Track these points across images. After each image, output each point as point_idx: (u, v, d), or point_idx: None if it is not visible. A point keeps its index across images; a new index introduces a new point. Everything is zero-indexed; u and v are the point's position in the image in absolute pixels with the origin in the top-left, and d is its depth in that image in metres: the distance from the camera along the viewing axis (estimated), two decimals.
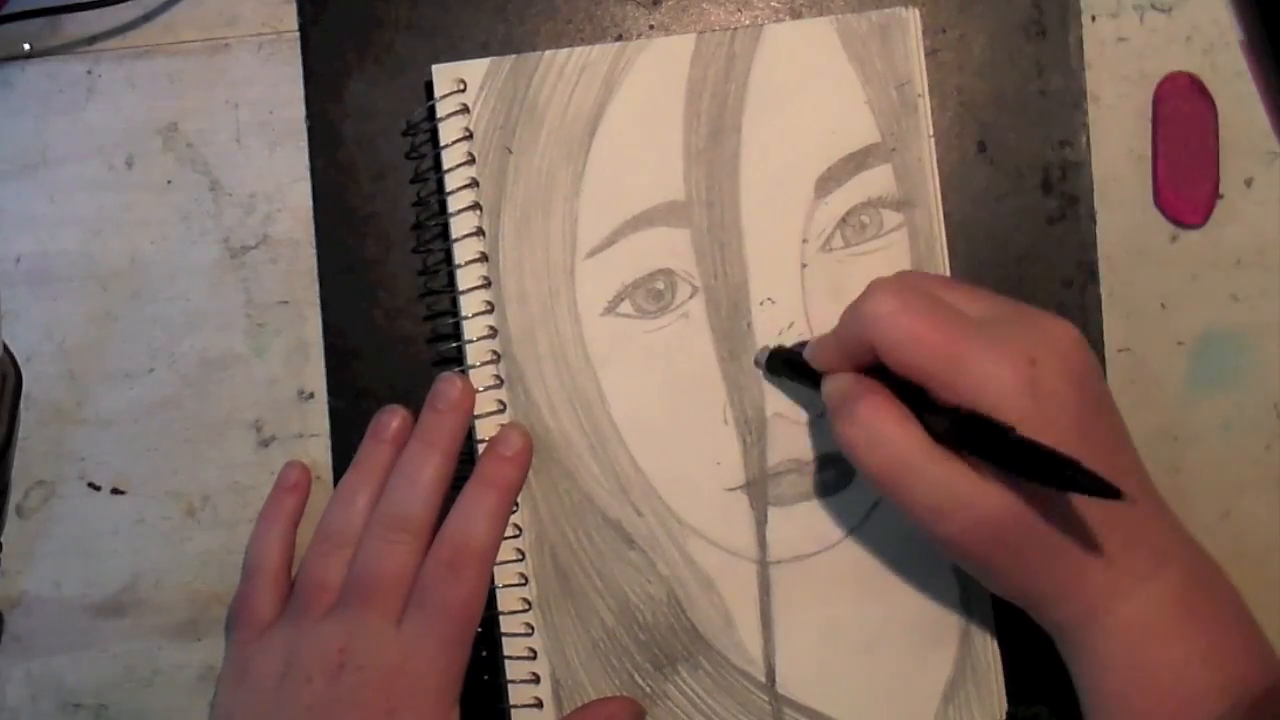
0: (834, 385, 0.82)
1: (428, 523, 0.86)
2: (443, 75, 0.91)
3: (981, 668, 0.90)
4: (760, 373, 0.90)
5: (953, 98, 0.94)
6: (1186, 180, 0.93)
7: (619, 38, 0.94)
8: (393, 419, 0.90)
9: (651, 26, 0.94)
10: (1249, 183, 0.94)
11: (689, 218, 0.90)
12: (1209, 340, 0.93)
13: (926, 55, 0.92)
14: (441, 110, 0.91)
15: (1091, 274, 0.93)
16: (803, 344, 0.88)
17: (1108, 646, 0.79)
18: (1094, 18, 0.94)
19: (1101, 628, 0.78)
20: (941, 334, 0.77)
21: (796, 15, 0.94)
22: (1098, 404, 0.79)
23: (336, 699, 0.82)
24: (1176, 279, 0.94)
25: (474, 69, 0.91)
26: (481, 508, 0.87)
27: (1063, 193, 0.93)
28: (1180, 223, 0.93)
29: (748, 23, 0.93)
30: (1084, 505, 0.76)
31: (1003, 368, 0.76)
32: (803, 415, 0.90)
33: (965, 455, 0.76)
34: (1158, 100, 0.94)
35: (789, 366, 0.89)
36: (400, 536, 0.85)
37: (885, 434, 0.78)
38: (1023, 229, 0.93)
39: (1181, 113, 0.94)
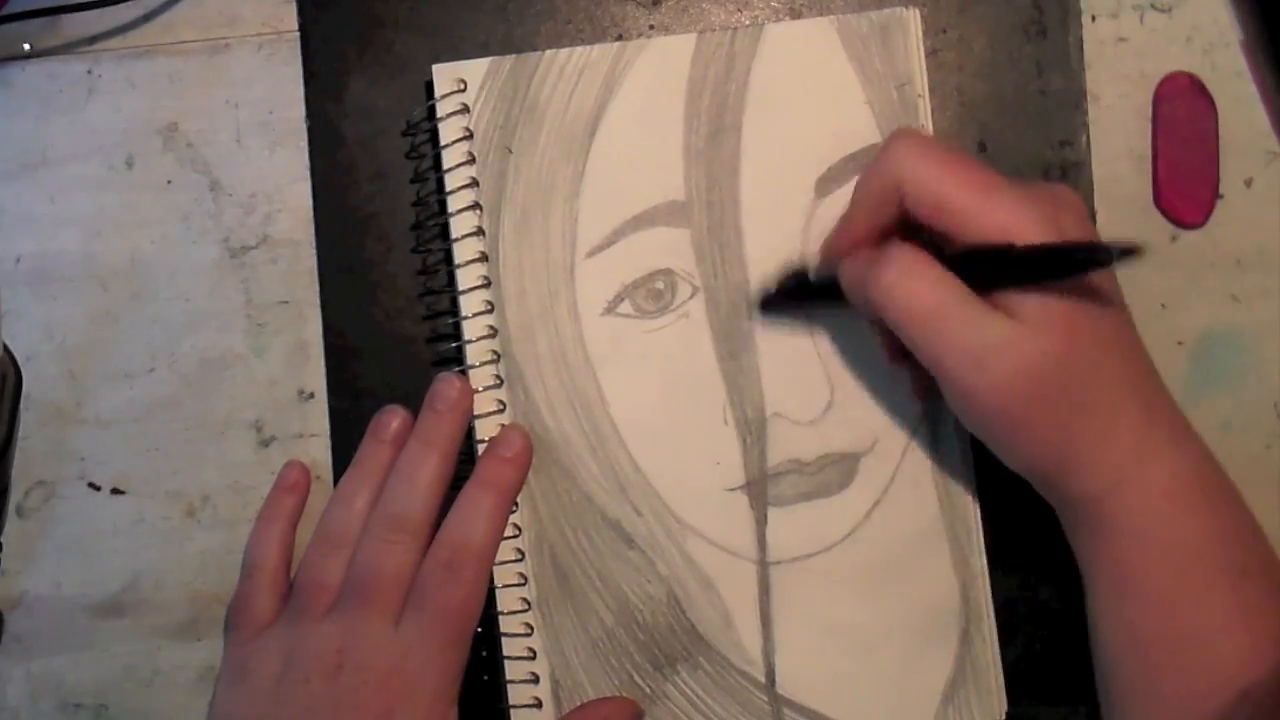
0: (857, 259, 0.82)
1: (426, 523, 0.86)
2: (443, 75, 0.91)
3: (981, 668, 0.90)
4: (759, 373, 0.90)
5: (953, 98, 0.94)
6: (1186, 180, 0.93)
7: (619, 38, 0.94)
8: (392, 419, 0.90)
9: (651, 26, 0.94)
10: (1249, 183, 0.94)
11: (689, 218, 0.90)
12: (1209, 340, 0.93)
13: (926, 55, 0.92)
14: (441, 110, 0.91)
15: None
16: (791, 275, 0.90)
17: (1132, 517, 0.79)
18: (1094, 18, 0.94)
19: (1127, 497, 0.79)
20: (970, 170, 0.78)
21: (797, 15, 0.94)
22: None
23: (334, 699, 0.82)
24: (1176, 279, 0.94)
25: (474, 69, 0.91)
26: (480, 508, 0.87)
27: None
28: (1180, 223, 0.93)
29: (748, 23, 0.93)
30: (1112, 370, 0.78)
31: (1030, 207, 0.76)
32: (803, 415, 0.90)
33: (999, 304, 0.77)
34: (1158, 100, 0.94)
35: (790, 292, 0.89)
36: (399, 537, 0.85)
37: (922, 277, 0.78)
38: None
39: (1181, 113, 0.94)
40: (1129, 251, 0.72)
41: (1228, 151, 0.94)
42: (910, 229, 0.81)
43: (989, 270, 0.77)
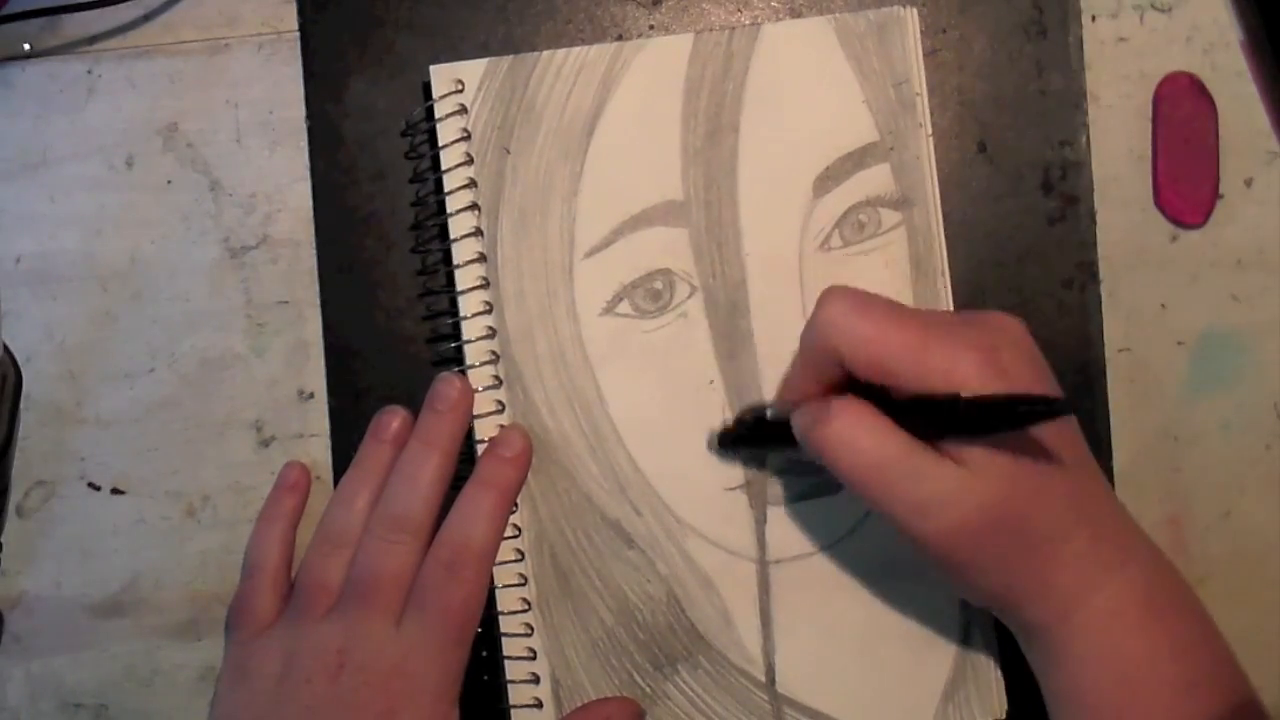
0: (804, 409, 0.82)
1: (427, 523, 0.86)
2: (440, 75, 0.91)
3: (981, 666, 0.90)
4: (758, 373, 0.90)
5: (953, 98, 0.94)
6: (1186, 180, 0.94)
7: (619, 38, 0.94)
8: (393, 419, 0.90)
9: (651, 27, 0.94)
10: (1249, 183, 0.94)
11: (687, 217, 0.90)
12: (1209, 340, 0.93)
13: (927, 55, 0.92)
14: (439, 111, 0.91)
15: (1091, 274, 0.93)
16: (749, 414, 0.90)
17: (1082, 641, 0.79)
18: (1094, 18, 0.94)
19: (1076, 622, 0.78)
20: (903, 327, 0.77)
21: (796, 15, 0.94)
22: (1055, 389, 0.80)
23: (336, 699, 0.82)
24: (1176, 279, 0.94)
25: (472, 69, 0.91)
26: (481, 508, 0.87)
27: (1063, 193, 0.93)
28: (1180, 223, 0.94)
29: (748, 23, 0.93)
30: (1059, 501, 0.77)
31: (968, 352, 0.76)
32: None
33: (943, 450, 0.76)
34: (1158, 100, 0.94)
35: (744, 437, 0.90)
36: (400, 537, 0.85)
37: (864, 433, 0.77)
38: (1023, 229, 0.93)
39: (1181, 113, 0.94)
40: (1067, 405, 0.74)
41: (1228, 151, 0.94)
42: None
43: (936, 420, 0.77)
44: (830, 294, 0.80)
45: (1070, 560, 0.78)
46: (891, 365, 0.77)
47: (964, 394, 0.74)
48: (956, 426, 0.76)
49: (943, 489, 0.76)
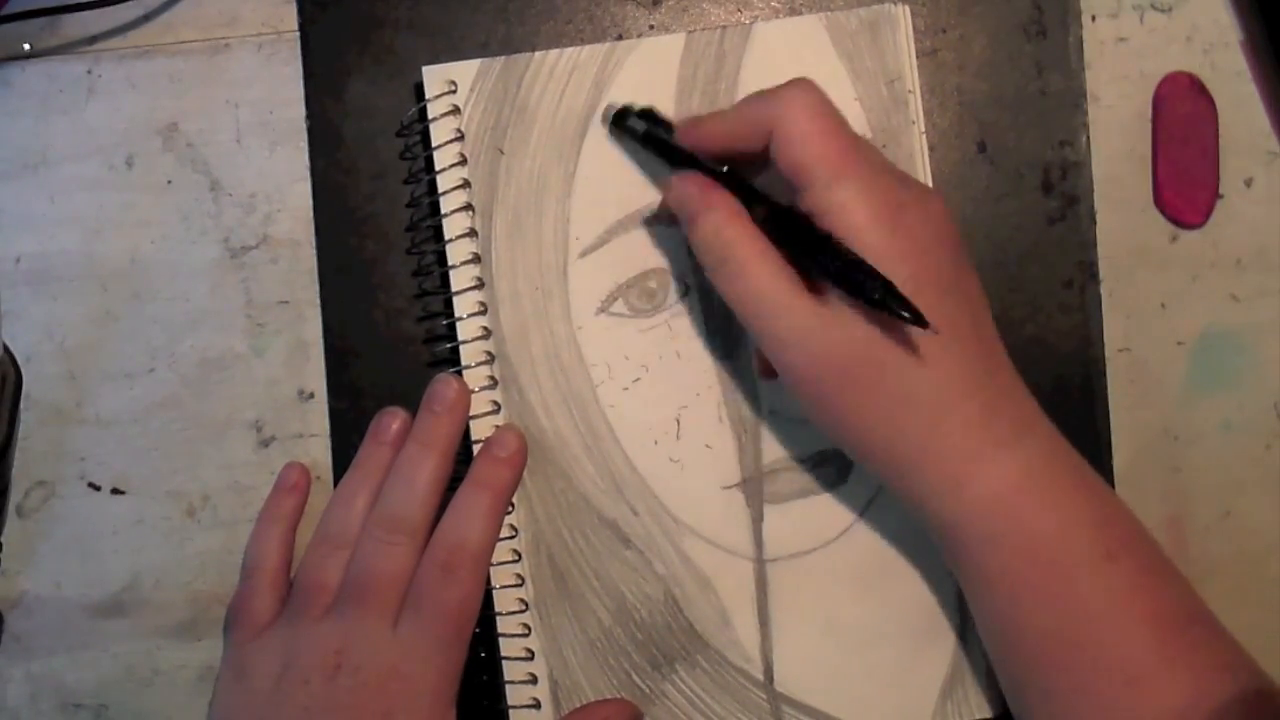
0: (688, 184, 0.83)
1: (425, 524, 0.86)
2: (433, 76, 0.91)
3: (979, 663, 0.90)
4: (756, 372, 0.90)
5: (953, 98, 0.94)
6: (1186, 180, 0.93)
7: (619, 38, 0.94)
8: (393, 421, 0.90)
9: (651, 26, 0.94)
10: (1249, 183, 0.94)
11: None
12: (1209, 340, 0.93)
13: (926, 55, 0.93)
14: (433, 111, 0.91)
15: (1091, 274, 0.93)
16: (649, 112, 0.89)
17: (983, 521, 0.79)
18: (1094, 18, 0.94)
19: (968, 495, 0.79)
20: (840, 144, 0.79)
21: (796, 15, 0.94)
22: (955, 266, 0.80)
23: (333, 700, 0.82)
24: (1176, 279, 0.94)
25: (464, 70, 0.91)
26: (476, 509, 0.87)
27: (1063, 193, 0.93)
28: (1180, 223, 0.93)
29: (746, 22, 0.93)
30: (940, 363, 0.78)
31: (874, 196, 0.77)
32: (798, 412, 0.89)
33: (816, 292, 0.78)
34: (1158, 100, 0.94)
35: (640, 131, 0.89)
36: (397, 538, 0.85)
37: (737, 251, 0.79)
38: (1023, 229, 0.93)
39: (1181, 113, 0.94)
40: (919, 320, 0.74)
41: (1228, 151, 0.94)
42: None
43: (806, 249, 0.78)
44: (801, 81, 0.81)
45: (956, 429, 0.78)
46: (806, 172, 0.79)
47: (837, 239, 0.76)
48: (822, 266, 0.77)
49: (798, 324, 0.77)
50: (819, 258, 0.77)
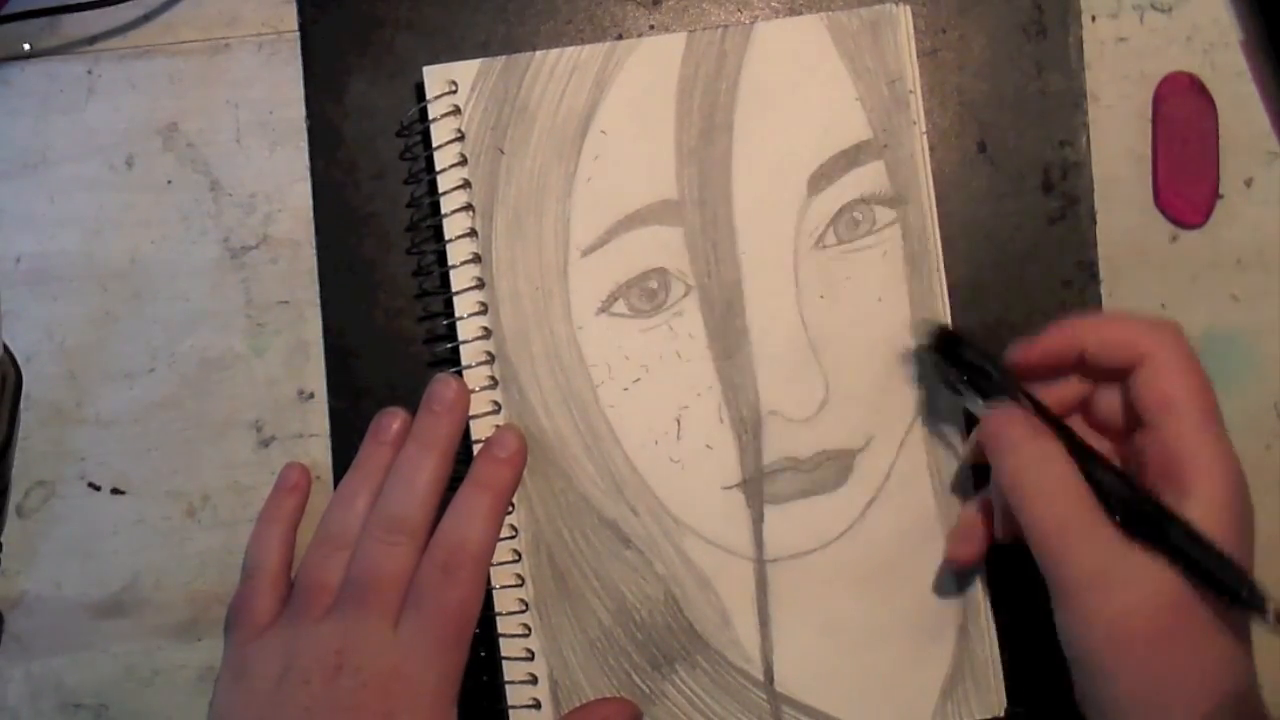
0: (1005, 417, 0.82)
1: (425, 524, 0.86)
2: (434, 76, 0.91)
3: (980, 663, 0.90)
4: (754, 372, 0.90)
5: (953, 98, 0.94)
6: (1186, 180, 0.93)
7: (619, 38, 0.94)
8: (393, 421, 0.90)
9: (652, 26, 0.94)
10: (1249, 183, 0.94)
11: (682, 216, 0.90)
12: (1209, 340, 0.93)
13: (926, 55, 0.93)
14: (433, 112, 0.91)
15: (1091, 274, 0.93)
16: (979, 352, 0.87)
17: None
18: (1094, 18, 0.94)
19: None
20: (1211, 392, 0.79)
21: (796, 15, 0.94)
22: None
23: (334, 701, 0.82)
24: (1176, 279, 0.94)
25: (465, 70, 0.91)
26: (476, 509, 0.87)
27: (1063, 193, 0.93)
28: (1180, 223, 0.94)
29: (747, 22, 0.93)
30: (1215, 644, 0.76)
31: (1231, 465, 0.77)
32: (799, 413, 0.90)
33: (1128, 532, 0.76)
34: (1158, 100, 0.94)
35: (957, 356, 0.87)
36: (397, 538, 0.85)
37: (1055, 480, 0.78)
38: (1023, 229, 0.93)
39: (1181, 113, 0.94)
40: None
41: (1228, 151, 0.94)
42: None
43: (1150, 521, 0.76)
44: (1173, 323, 0.82)
45: (1221, 713, 0.76)
46: (1175, 408, 0.79)
47: (1185, 521, 0.74)
48: (1165, 543, 0.75)
49: (1127, 566, 0.75)
50: (1169, 533, 0.75)
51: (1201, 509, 0.75)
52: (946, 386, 0.88)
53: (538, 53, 0.91)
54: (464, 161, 0.91)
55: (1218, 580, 0.73)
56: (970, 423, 0.90)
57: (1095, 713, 0.79)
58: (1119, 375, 0.82)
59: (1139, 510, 0.76)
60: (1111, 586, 0.75)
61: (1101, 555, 0.75)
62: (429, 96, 0.91)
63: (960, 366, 0.86)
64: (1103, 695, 0.78)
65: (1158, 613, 0.75)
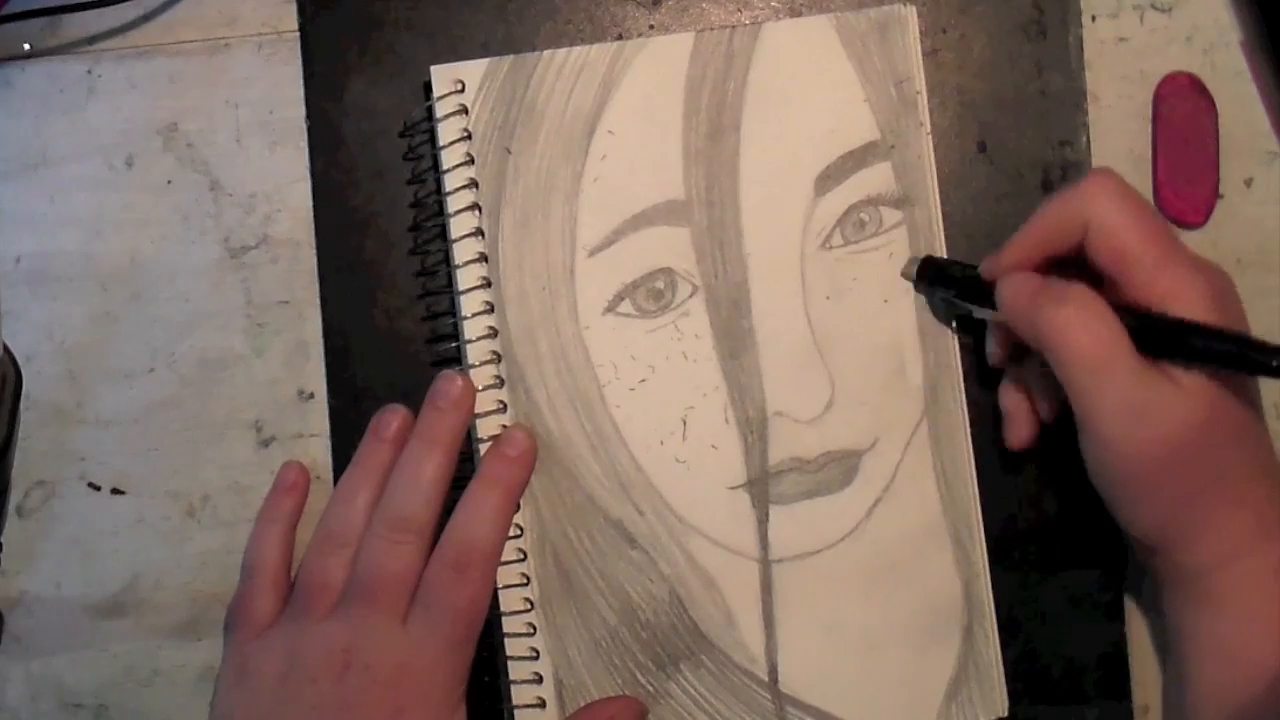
0: (1024, 280, 0.84)
1: (430, 522, 0.86)
2: (441, 76, 0.91)
3: (984, 665, 0.91)
4: (760, 372, 0.90)
5: (953, 98, 0.94)
6: (1186, 180, 0.94)
7: (619, 38, 0.94)
8: (394, 418, 0.90)
9: (651, 26, 0.94)
10: (1249, 183, 0.94)
11: (689, 217, 0.90)
12: None
13: (926, 55, 0.93)
14: (440, 111, 0.91)
15: None
16: (958, 264, 0.90)
17: (1248, 593, 0.80)
18: (1094, 18, 0.94)
19: (1242, 569, 0.80)
20: (1158, 227, 0.81)
21: (796, 15, 0.94)
22: None
23: (343, 698, 0.82)
24: None
25: (472, 69, 0.91)
26: (486, 508, 0.87)
27: None
28: (1180, 223, 0.94)
29: (748, 22, 0.93)
30: (1250, 441, 0.80)
31: (1200, 277, 0.79)
32: (805, 413, 0.90)
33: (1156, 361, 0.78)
34: (1158, 100, 0.94)
35: (945, 276, 0.90)
36: (404, 536, 0.85)
37: (1099, 322, 0.79)
38: None
39: (1181, 113, 0.94)
40: None
41: (1228, 151, 0.94)
42: (1067, 265, 0.83)
43: (1161, 336, 0.78)
44: (1102, 170, 0.83)
45: (1250, 506, 0.79)
46: (1130, 262, 0.80)
47: (1202, 322, 0.77)
48: (1180, 349, 0.77)
49: (1159, 396, 0.77)
50: (1188, 339, 0.77)
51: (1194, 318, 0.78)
52: (946, 309, 0.91)
53: (545, 52, 0.91)
54: (471, 161, 0.90)
55: (1251, 360, 0.75)
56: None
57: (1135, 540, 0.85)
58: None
59: (1158, 331, 0.78)
60: (1146, 414, 0.78)
61: (1135, 386, 0.78)
62: (436, 96, 0.91)
63: (951, 285, 0.89)
64: (1137, 520, 0.82)
65: (1185, 432, 0.77)
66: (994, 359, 0.91)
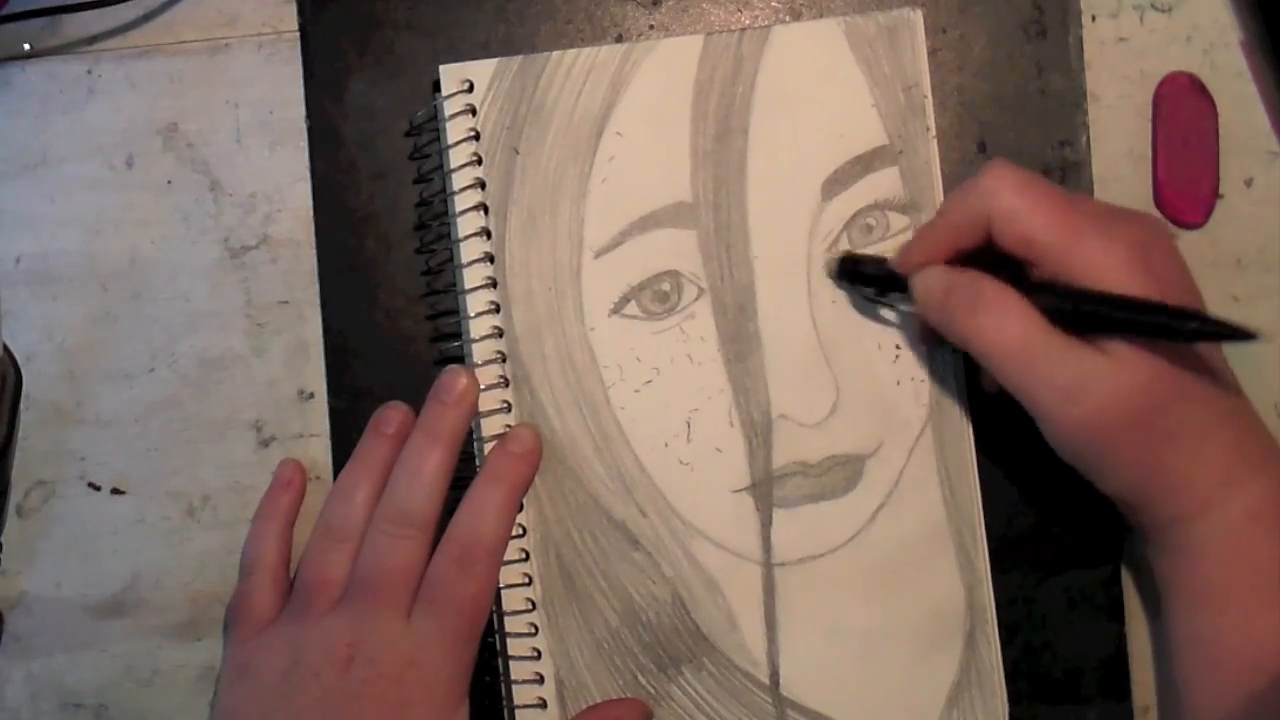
0: (936, 277, 0.84)
1: (433, 516, 0.86)
2: (450, 75, 0.91)
3: (985, 671, 0.90)
4: (765, 375, 0.90)
5: (953, 98, 0.94)
6: (1186, 180, 0.94)
7: (619, 38, 0.94)
8: (394, 415, 0.90)
9: (651, 26, 0.94)
10: (1249, 183, 0.94)
11: (696, 219, 0.90)
12: None
13: (927, 55, 0.93)
14: (448, 110, 0.91)
15: None
16: (872, 260, 0.90)
17: (1219, 539, 0.81)
18: (1094, 18, 0.94)
19: (1214, 519, 0.80)
20: (1060, 207, 0.81)
21: (797, 15, 0.94)
22: (1195, 292, 0.83)
23: (348, 692, 0.82)
24: None
25: (481, 69, 0.91)
26: (491, 504, 0.87)
27: None
28: (1180, 223, 0.94)
29: (748, 23, 0.94)
30: (1202, 396, 0.80)
31: (1117, 244, 0.79)
32: (809, 417, 0.90)
33: (1082, 337, 0.79)
34: (1158, 100, 0.94)
35: (861, 272, 0.90)
36: (406, 531, 0.85)
37: (1014, 314, 0.80)
38: None
39: (1181, 113, 0.94)
40: (1242, 334, 0.75)
41: (1228, 151, 0.94)
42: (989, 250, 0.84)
43: (1083, 311, 0.79)
44: (996, 162, 0.83)
45: (1212, 456, 0.80)
46: (1039, 248, 0.80)
47: (1121, 293, 0.78)
48: (1105, 323, 0.78)
49: (1087, 373, 0.78)
50: (1104, 313, 0.78)
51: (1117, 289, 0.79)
52: (869, 305, 0.91)
53: (554, 53, 0.91)
54: (478, 161, 0.90)
55: (1167, 327, 0.76)
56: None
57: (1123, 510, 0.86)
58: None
59: (1080, 308, 0.79)
60: (1084, 390, 0.79)
61: (1067, 366, 0.79)
62: (444, 95, 0.91)
63: (869, 282, 0.90)
64: (1105, 486, 0.84)
65: (1126, 400, 0.78)
66: (921, 338, 0.92)
